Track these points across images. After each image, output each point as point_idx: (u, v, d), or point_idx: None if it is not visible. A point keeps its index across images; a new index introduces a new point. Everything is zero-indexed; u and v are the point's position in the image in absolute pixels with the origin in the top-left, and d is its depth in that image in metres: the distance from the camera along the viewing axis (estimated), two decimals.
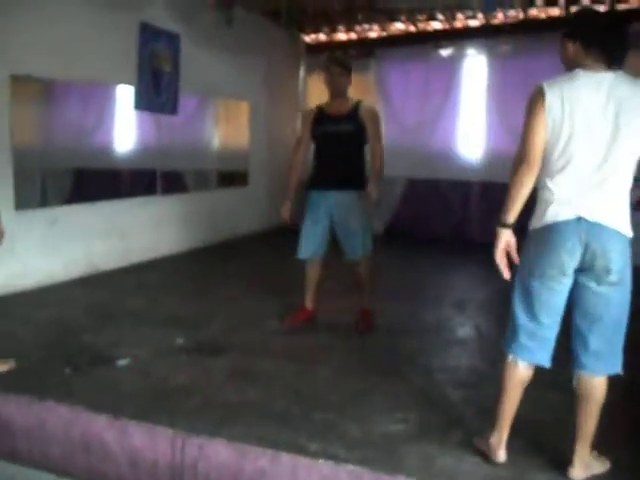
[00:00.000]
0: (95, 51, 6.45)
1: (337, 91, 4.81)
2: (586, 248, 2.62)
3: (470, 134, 9.25)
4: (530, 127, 2.69)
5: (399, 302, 5.74)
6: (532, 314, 2.77)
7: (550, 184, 2.69)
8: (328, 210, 4.81)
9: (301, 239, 4.93)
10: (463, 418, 3.43)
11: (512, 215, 2.75)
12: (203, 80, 8.19)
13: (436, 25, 9.38)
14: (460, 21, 9.20)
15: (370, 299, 5.00)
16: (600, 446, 2.92)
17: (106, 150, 7.29)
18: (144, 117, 7.45)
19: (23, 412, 3.50)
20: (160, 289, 6.19)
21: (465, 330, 5.14)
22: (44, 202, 6.26)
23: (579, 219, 2.62)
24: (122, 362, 4.10)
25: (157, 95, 7.55)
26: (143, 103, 7.33)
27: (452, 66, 9.32)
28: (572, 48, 2.73)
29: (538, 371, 2.88)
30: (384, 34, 9.85)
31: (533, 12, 8.60)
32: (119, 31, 6.81)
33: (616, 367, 2.77)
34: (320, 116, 4.87)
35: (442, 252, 8.37)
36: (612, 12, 5.26)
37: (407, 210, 9.51)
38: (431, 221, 9.27)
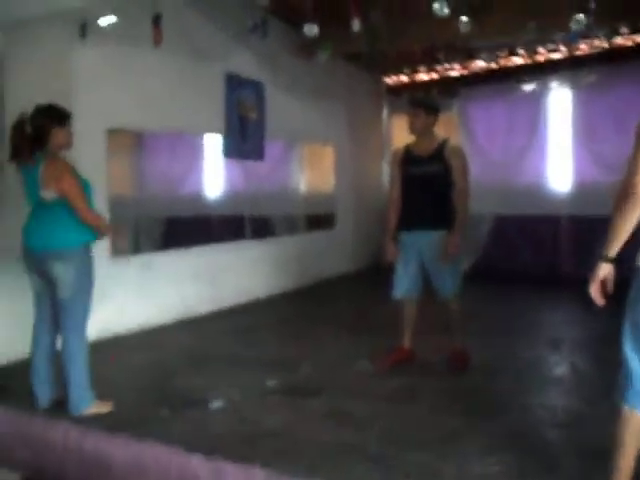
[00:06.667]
0: (183, 102, 6.70)
1: (417, 131, 4.82)
2: None
3: (558, 168, 9.05)
4: (639, 157, 2.48)
5: (492, 341, 5.61)
6: None
7: None
8: (418, 250, 4.81)
9: (395, 279, 4.94)
10: (562, 460, 3.28)
11: (615, 249, 2.56)
12: (288, 126, 8.35)
13: (517, 60, 9.29)
14: (542, 55, 9.08)
15: (462, 338, 4.92)
16: None
17: (196, 197, 7.50)
18: (232, 164, 7.65)
19: (122, 451, 3.56)
20: (252, 332, 6.26)
21: (561, 369, 4.97)
22: (137, 249, 6.47)
23: None
24: (216, 404, 4.14)
25: (244, 142, 7.73)
26: (231, 151, 7.53)
27: (536, 100, 9.17)
28: None
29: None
30: (465, 72, 9.83)
31: (618, 41, 8.41)
32: (206, 81, 7.07)
33: None
34: (407, 156, 4.90)
35: (533, 289, 8.14)
36: None
37: (495, 247, 9.32)
38: (521, 258, 9.03)
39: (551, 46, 8.78)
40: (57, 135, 3.93)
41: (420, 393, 4.34)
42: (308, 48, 7.43)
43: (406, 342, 5.01)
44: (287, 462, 3.22)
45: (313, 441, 3.53)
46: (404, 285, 4.90)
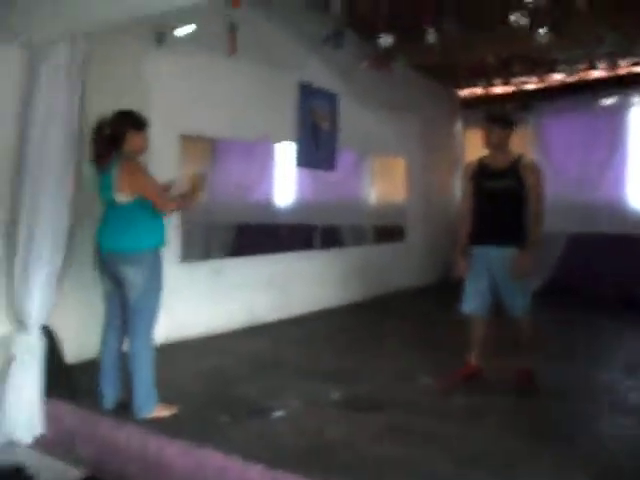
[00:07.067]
0: (256, 110, 6.78)
1: (492, 146, 4.75)
2: None
3: (639, 185, 8.76)
4: None
5: (562, 363, 5.42)
6: None
7: None
8: (488, 266, 4.72)
9: (464, 294, 4.86)
10: None
11: None
12: (360, 137, 8.35)
13: (597, 74, 9.04)
14: (624, 68, 8.81)
15: (529, 359, 4.77)
16: None
17: (266, 205, 7.53)
18: (303, 173, 7.68)
19: (183, 457, 3.59)
20: (317, 342, 6.25)
21: (636, 396, 4.72)
22: (207, 255, 6.54)
23: None
24: (278, 414, 4.13)
25: (317, 152, 7.76)
26: (304, 160, 7.56)
27: (617, 115, 8.90)
28: None
29: None
30: (542, 85, 9.63)
31: None
32: (279, 90, 7.15)
33: None
34: (480, 171, 4.83)
35: (608, 312, 7.83)
36: None
37: (569, 266, 9.04)
38: (596, 278, 8.73)
39: (633, 59, 8.51)
40: (133, 139, 4.03)
41: (485, 412, 4.22)
42: (382, 59, 7.39)
43: (473, 359, 4.91)
44: (346, 476, 3.17)
45: (373, 456, 3.47)
46: (473, 301, 4.81)
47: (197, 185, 4.26)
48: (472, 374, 4.88)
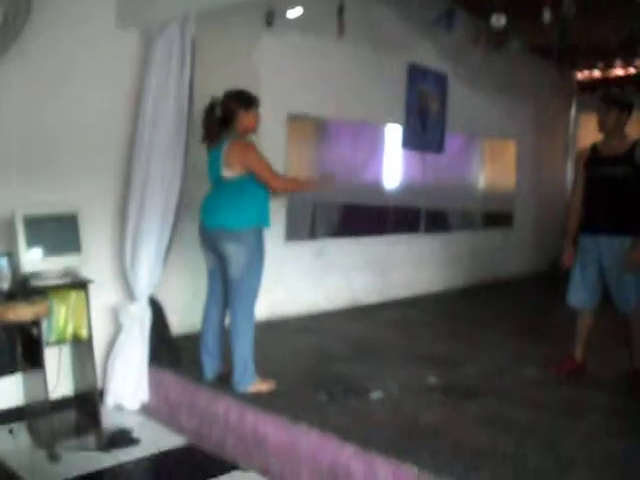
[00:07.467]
0: (364, 91, 6.76)
1: (607, 130, 4.54)
2: None
3: None
4: None
5: None
6: None
7: None
8: (598, 256, 4.52)
9: (570, 285, 4.69)
10: None
11: None
12: (469, 119, 8.18)
13: None
14: None
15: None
16: None
17: (373, 187, 7.50)
18: (410, 155, 7.61)
19: (278, 432, 3.66)
20: (417, 326, 6.21)
21: None
22: (312, 235, 6.59)
23: None
24: (374, 395, 4.12)
25: (424, 134, 7.67)
26: (410, 142, 7.49)
27: None
28: None
29: None
30: None
31: None
32: (388, 72, 7.09)
33: None
34: (593, 157, 4.64)
35: None
36: None
37: None
38: None
39: None
40: (243, 118, 4.09)
41: (588, 409, 4.03)
42: (495, 40, 7.19)
43: (578, 352, 4.74)
44: (438, 463, 3.13)
45: (468, 445, 3.40)
46: (580, 293, 4.63)
47: (322, 179, 4.33)
48: (576, 368, 4.72)
